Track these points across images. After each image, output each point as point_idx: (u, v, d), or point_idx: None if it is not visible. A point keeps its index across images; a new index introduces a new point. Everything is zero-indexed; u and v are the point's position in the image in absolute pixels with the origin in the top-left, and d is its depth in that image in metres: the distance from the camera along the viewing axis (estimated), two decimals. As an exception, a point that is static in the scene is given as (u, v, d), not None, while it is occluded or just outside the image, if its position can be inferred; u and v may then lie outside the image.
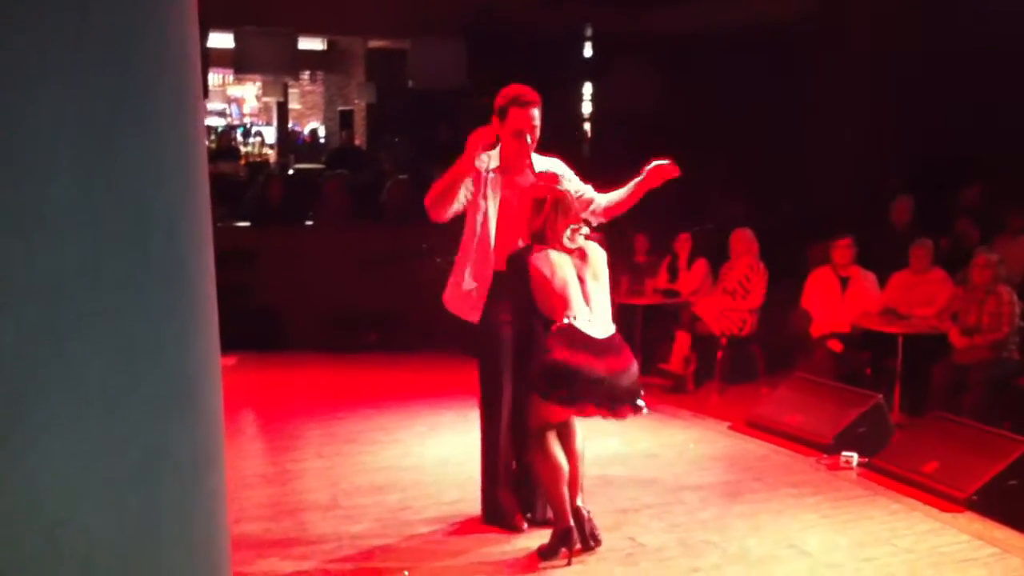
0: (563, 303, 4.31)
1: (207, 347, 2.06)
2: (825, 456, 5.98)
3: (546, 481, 4.45)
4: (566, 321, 4.26)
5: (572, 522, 4.41)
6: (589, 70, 15.34)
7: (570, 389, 4.23)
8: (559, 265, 4.36)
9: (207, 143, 12.66)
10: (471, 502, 4.96)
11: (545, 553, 4.42)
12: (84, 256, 1.80)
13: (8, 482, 1.73)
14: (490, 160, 4.72)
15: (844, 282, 8.27)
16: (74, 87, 1.77)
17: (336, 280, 9.52)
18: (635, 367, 4.42)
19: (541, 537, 4.50)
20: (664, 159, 4.71)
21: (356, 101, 18.72)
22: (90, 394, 1.81)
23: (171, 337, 1.94)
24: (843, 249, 8.28)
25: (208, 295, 2.08)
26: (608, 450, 5.98)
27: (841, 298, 8.23)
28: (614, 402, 4.31)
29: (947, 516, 5.05)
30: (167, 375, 1.93)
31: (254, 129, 20.74)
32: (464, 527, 4.78)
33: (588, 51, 15.73)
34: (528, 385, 4.41)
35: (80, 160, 1.79)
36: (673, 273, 9.35)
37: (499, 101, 4.66)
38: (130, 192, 1.85)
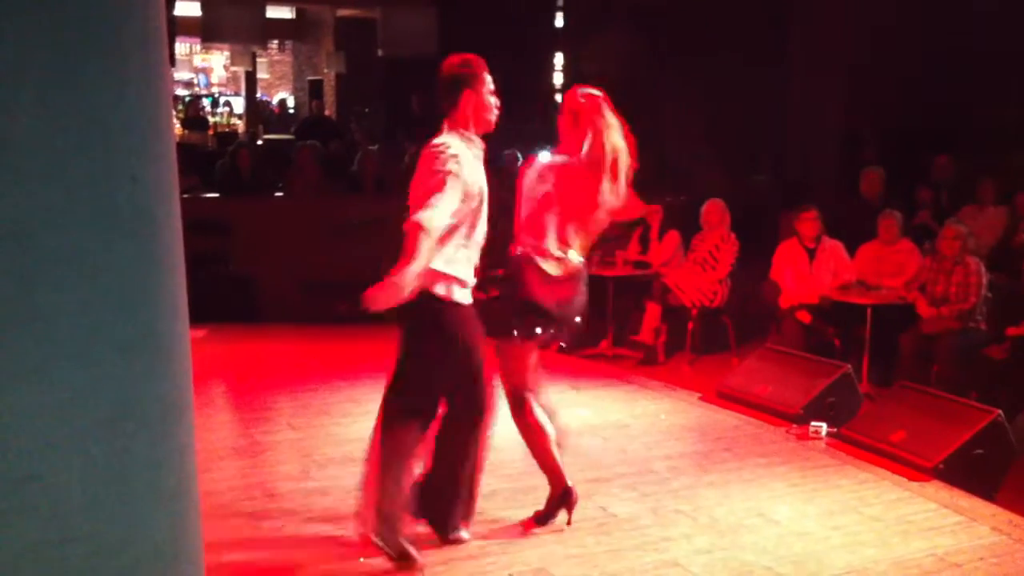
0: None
1: (174, 298, 2.04)
2: (794, 426, 6.03)
3: (538, 446, 4.38)
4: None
5: (569, 481, 4.42)
6: (561, 39, 15.30)
7: (545, 322, 4.20)
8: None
9: (175, 113, 12.57)
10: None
11: (543, 518, 4.43)
12: (51, 201, 1.76)
13: None
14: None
15: (811, 253, 8.31)
16: (39, 26, 1.74)
17: (307, 250, 9.48)
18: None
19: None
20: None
21: (325, 71, 18.60)
22: (59, 343, 1.78)
23: (138, 286, 1.91)
24: (808, 221, 8.31)
25: (175, 245, 2.05)
26: (579, 420, 6.01)
27: (809, 270, 8.27)
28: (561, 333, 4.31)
29: (915, 485, 5.11)
30: (135, 325, 1.89)
31: (222, 99, 20.57)
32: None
33: (560, 21, 15.68)
34: (502, 332, 4.27)
35: (45, 101, 1.75)
36: (644, 244, 9.36)
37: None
38: (97, 137, 1.82)
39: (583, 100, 4.35)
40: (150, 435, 1.94)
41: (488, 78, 4.20)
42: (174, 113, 16.46)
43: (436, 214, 3.91)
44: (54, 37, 1.76)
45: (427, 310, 4.05)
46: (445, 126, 4.15)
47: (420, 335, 4.15)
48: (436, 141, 4.09)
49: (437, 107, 4.39)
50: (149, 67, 1.95)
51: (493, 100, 4.22)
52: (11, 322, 1.73)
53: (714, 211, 8.89)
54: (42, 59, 1.75)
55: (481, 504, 4.48)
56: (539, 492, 4.77)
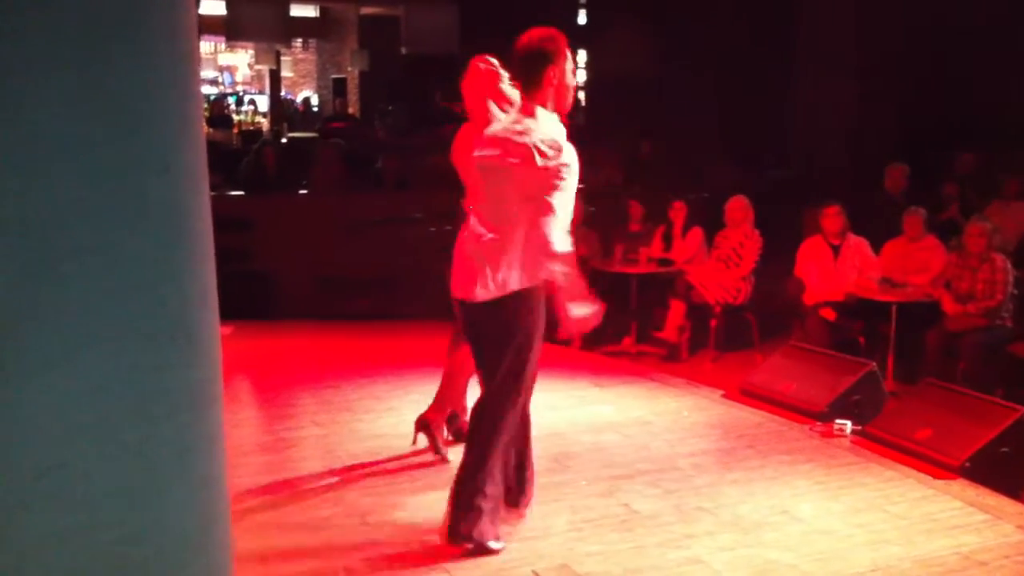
0: None
1: (204, 287, 2.05)
2: (819, 424, 6.00)
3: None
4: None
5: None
6: (583, 36, 15.28)
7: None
8: None
9: (200, 111, 12.60)
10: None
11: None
12: (80, 189, 1.77)
13: (4, 421, 1.73)
14: None
15: (836, 250, 8.27)
16: (67, 16, 1.74)
17: (330, 247, 9.53)
18: None
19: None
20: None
21: (349, 69, 18.64)
22: (88, 330, 1.79)
23: (167, 275, 1.92)
24: (832, 217, 8.26)
25: (205, 235, 2.06)
26: (602, 418, 6.01)
27: (834, 266, 8.23)
28: None
29: (940, 483, 5.08)
30: (163, 314, 1.91)
31: (247, 97, 20.65)
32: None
33: (583, 18, 15.66)
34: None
35: (74, 90, 1.76)
36: (668, 241, 9.35)
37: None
38: (126, 125, 1.83)
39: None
40: (179, 423, 1.95)
41: (570, 55, 4.04)
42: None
43: (567, 211, 3.85)
44: (82, 27, 1.77)
45: (530, 299, 3.97)
46: (524, 103, 4.02)
47: (527, 325, 4.01)
48: (536, 124, 3.90)
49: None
50: (178, 57, 1.96)
51: (573, 80, 4.08)
52: (39, 311, 1.75)
53: (738, 207, 8.87)
54: (70, 49, 1.75)
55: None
56: (566, 488, 4.79)
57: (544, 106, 3.97)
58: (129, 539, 1.87)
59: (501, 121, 4.22)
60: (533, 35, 4.00)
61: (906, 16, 10.72)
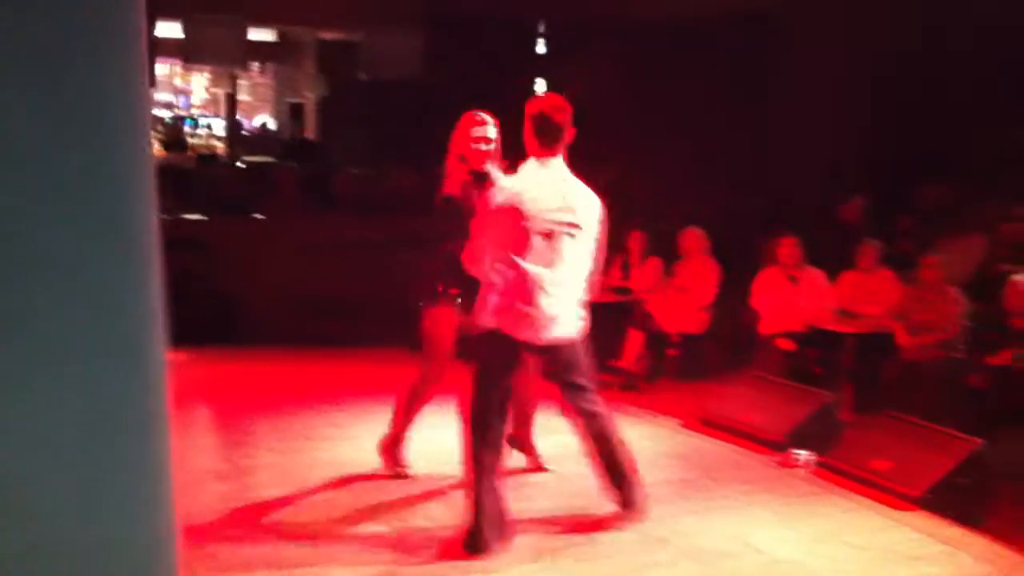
0: None
1: (152, 302, 2.00)
2: (777, 454, 6.02)
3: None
4: None
5: None
6: (544, 65, 15.35)
7: None
8: None
9: (155, 135, 12.53)
10: (424, 499, 4.93)
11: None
12: (27, 201, 1.74)
13: None
14: None
15: (793, 280, 8.32)
16: (21, 29, 1.73)
17: (287, 270, 9.46)
18: None
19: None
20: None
21: (307, 93, 18.58)
22: (36, 345, 1.76)
23: (116, 289, 1.89)
24: (788, 248, 8.34)
25: (153, 248, 2.03)
26: (562, 447, 5.96)
27: (791, 297, 8.28)
28: None
29: (898, 514, 5.10)
30: (113, 328, 1.87)
31: (203, 121, 20.51)
32: (420, 524, 4.74)
33: (542, 47, 15.74)
34: None
35: (26, 101, 1.74)
36: (626, 270, 9.36)
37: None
38: (77, 134, 1.80)
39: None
40: (128, 441, 1.91)
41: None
42: (154, 134, 16.46)
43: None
44: (36, 40, 1.75)
45: None
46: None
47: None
48: None
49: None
50: (129, 70, 1.93)
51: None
52: None
53: (692, 238, 8.92)
54: (24, 60, 1.73)
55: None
56: (526, 517, 4.75)
57: None
58: (76, 559, 1.84)
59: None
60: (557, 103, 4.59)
61: (884, 46, 10.88)
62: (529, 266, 4.43)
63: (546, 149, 4.50)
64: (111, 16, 1.87)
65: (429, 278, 5.20)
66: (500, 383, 4.53)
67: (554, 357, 4.67)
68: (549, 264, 4.46)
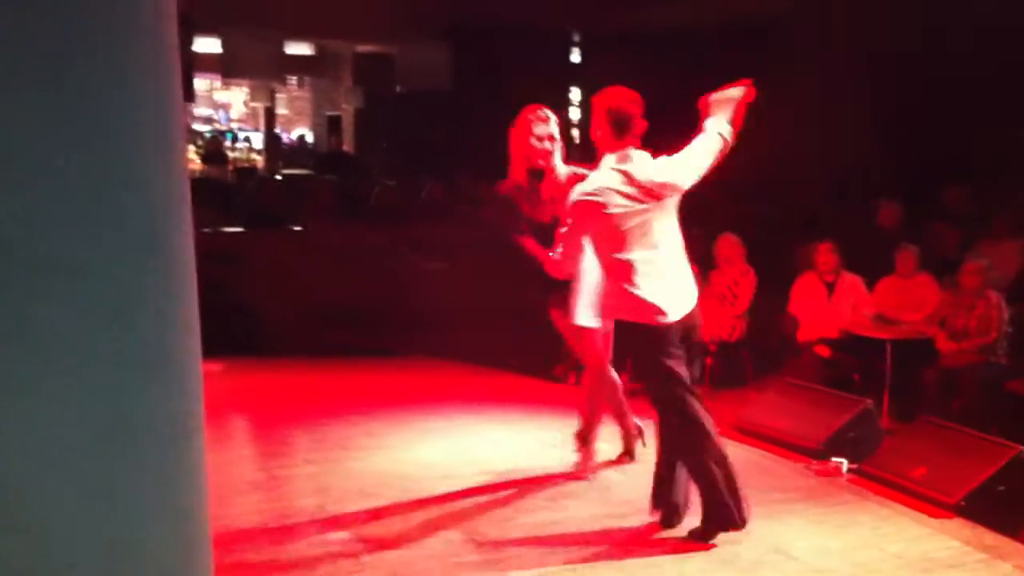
0: None
1: (183, 310, 1.97)
2: (814, 461, 5.97)
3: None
4: None
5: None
6: (575, 74, 15.36)
7: None
8: None
9: (195, 149, 12.70)
10: (459, 508, 4.94)
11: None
12: (53, 206, 1.71)
13: None
14: None
15: (830, 287, 8.26)
16: (38, 29, 1.70)
17: (324, 284, 9.52)
18: None
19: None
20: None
21: (344, 106, 18.71)
22: (50, 355, 1.72)
23: (142, 296, 1.84)
24: (825, 254, 8.28)
25: (184, 257, 1.98)
26: (600, 455, 5.96)
27: (828, 303, 8.23)
28: None
29: (936, 522, 5.05)
30: (138, 337, 1.83)
31: (242, 135, 20.70)
32: (454, 534, 4.76)
33: (575, 56, 15.75)
34: None
35: (47, 103, 1.71)
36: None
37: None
38: (101, 142, 1.77)
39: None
40: (156, 454, 1.86)
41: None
42: (193, 148, 16.64)
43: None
44: (55, 40, 1.71)
45: None
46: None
47: None
48: None
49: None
50: (159, 76, 1.90)
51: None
52: (2, 333, 1.67)
53: (728, 245, 8.87)
54: (45, 65, 1.70)
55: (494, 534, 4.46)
56: (561, 526, 4.74)
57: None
58: (107, 566, 1.80)
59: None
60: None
61: (905, 48, 10.79)
62: (629, 255, 4.50)
63: (621, 141, 4.58)
64: (135, 24, 1.84)
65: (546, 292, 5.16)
66: (660, 369, 4.54)
67: (683, 336, 4.62)
68: (649, 247, 4.53)
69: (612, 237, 4.51)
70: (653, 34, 12.97)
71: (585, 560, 4.45)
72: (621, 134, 4.57)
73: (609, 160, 4.59)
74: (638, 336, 4.58)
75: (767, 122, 11.42)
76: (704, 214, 10.67)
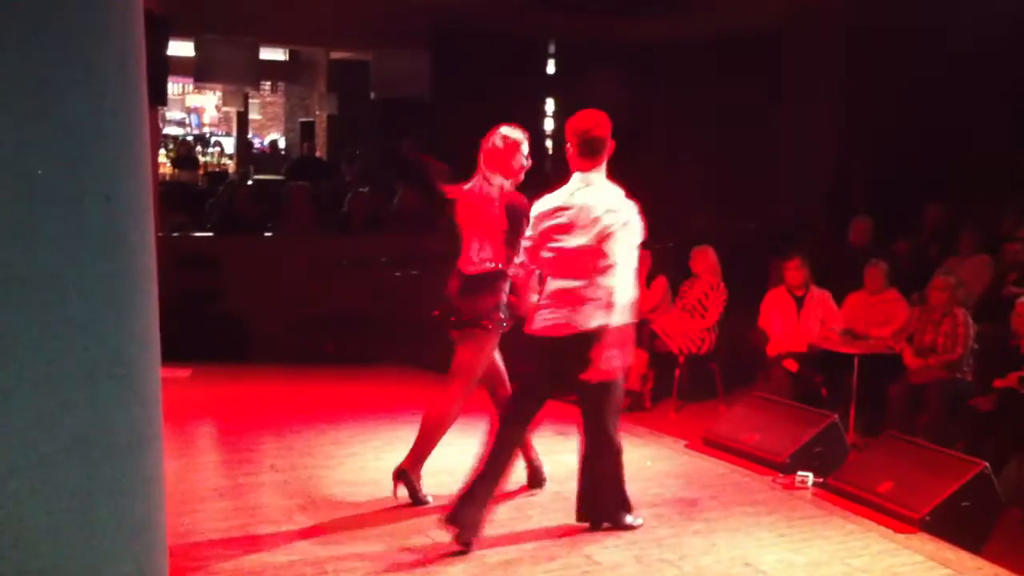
0: None
1: (144, 321, 1.97)
2: (781, 475, 6.00)
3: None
4: None
5: None
6: (552, 85, 15.39)
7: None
8: None
9: (166, 153, 12.61)
10: (427, 517, 4.93)
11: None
12: (16, 218, 1.71)
13: None
14: None
15: (799, 301, 8.32)
16: (8, 43, 1.70)
17: (296, 289, 9.49)
18: None
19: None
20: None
21: (317, 112, 18.66)
22: (20, 366, 1.72)
23: (107, 308, 1.85)
24: (793, 270, 8.34)
25: (148, 267, 1.99)
26: (565, 467, 5.95)
27: (797, 318, 8.28)
28: None
29: (901, 537, 5.08)
30: (102, 348, 1.84)
31: (213, 139, 20.60)
32: (421, 540, 4.74)
33: (551, 67, 15.77)
34: None
35: (9, 107, 1.71)
36: (632, 290, 9.34)
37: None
38: (67, 152, 1.77)
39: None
40: (116, 464, 1.87)
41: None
42: (164, 152, 16.54)
43: None
44: (27, 57, 1.72)
45: None
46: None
47: None
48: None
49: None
50: (126, 86, 1.90)
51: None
52: None
53: (703, 258, 8.91)
54: (11, 75, 1.70)
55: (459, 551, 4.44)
56: (528, 538, 4.74)
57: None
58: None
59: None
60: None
61: (889, 71, 10.89)
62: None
63: (588, 163, 4.72)
64: (103, 33, 1.85)
65: (460, 300, 5.19)
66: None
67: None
68: (585, 273, 4.63)
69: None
70: (634, 47, 13.04)
71: (553, 573, 4.44)
72: (588, 156, 4.70)
73: (575, 180, 4.75)
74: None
75: (745, 141, 11.53)
76: (677, 226, 10.79)
